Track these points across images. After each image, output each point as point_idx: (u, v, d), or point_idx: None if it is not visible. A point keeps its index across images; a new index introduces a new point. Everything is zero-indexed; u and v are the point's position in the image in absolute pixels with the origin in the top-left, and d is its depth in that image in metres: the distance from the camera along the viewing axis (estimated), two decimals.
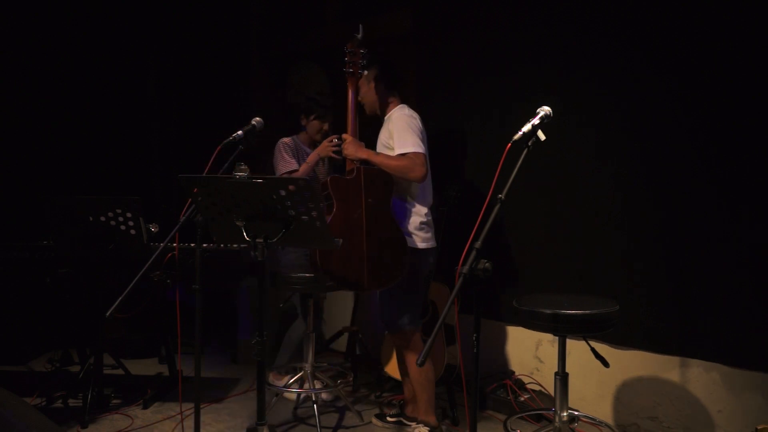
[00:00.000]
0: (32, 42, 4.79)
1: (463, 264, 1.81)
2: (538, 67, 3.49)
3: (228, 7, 5.36)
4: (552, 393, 3.26)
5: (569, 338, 2.75)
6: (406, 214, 3.04)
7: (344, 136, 3.06)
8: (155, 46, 5.37)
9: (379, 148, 3.07)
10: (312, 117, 3.74)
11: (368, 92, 3.13)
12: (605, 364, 2.81)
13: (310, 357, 3.50)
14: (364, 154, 2.97)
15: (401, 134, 2.95)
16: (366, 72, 3.10)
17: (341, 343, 4.51)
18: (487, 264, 1.82)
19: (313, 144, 3.74)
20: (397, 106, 3.12)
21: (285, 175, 3.54)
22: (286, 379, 3.72)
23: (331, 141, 3.50)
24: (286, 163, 3.62)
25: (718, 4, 2.87)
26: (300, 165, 3.62)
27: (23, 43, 4.75)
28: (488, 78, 3.73)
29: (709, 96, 2.91)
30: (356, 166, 2.97)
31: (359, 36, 3.03)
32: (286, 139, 3.73)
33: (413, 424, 3.17)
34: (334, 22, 4.87)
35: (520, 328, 3.56)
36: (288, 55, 5.24)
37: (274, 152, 3.68)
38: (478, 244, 1.79)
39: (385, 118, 3.13)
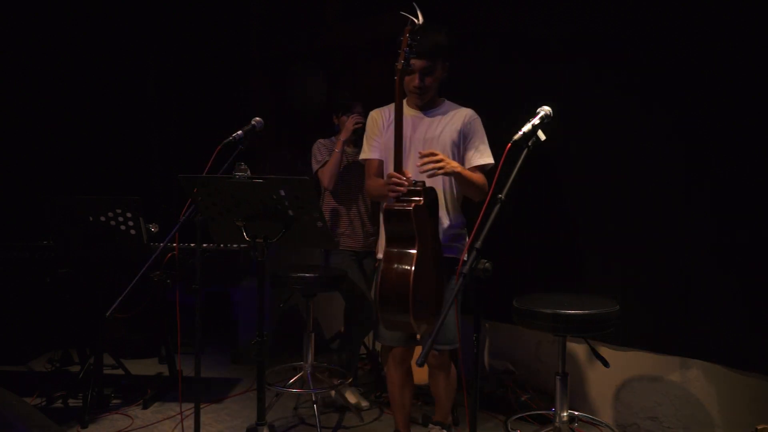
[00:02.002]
0: (32, 42, 4.79)
1: (463, 264, 1.81)
2: (538, 67, 3.49)
3: (228, 7, 5.36)
4: (552, 393, 3.26)
5: (569, 338, 2.75)
6: (466, 232, 2.82)
7: (434, 150, 2.56)
8: (155, 46, 5.37)
9: (442, 147, 2.67)
10: (341, 114, 3.71)
11: (435, 81, 2.69)
12: (605, 364, 2.81)
13: (310, 357, 3.50)
14: (457, 167, 2.58)
15: (484, 142, 2.72)
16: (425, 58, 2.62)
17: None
18: (487, 264, 1.82)
19: (350, 141, 3.70)
20: (450, 103, 2.81)
21: (319, 173, 3.61)
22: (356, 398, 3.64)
23: (351, 119, 3.54)
24: (316, 162, 3.65)
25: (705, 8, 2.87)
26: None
27: (23, 43, 4.75)
28: (488, 78, 3.73)
29: (710, 96, 2.91)
30: (415, 184, 2.51)
31: (419, 22, 2.51)
32: (322, 140, 3.73)
33: (432, 426, 3.05)
34: (334, 22, 4.87)
35: (520, 328, 3.55)
36: (288, 55, 5.24)
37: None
38: (478, 244, 1.79)
39: (441, 113, 2.76)
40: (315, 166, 3.65)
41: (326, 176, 3.58)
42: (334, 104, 3.83)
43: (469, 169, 2.70)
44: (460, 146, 2.72)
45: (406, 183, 2.47)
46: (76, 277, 3.57)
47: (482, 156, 2.72)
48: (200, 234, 2.44)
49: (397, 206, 2.49)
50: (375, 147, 2.82)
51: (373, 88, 4.31)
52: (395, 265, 2.46)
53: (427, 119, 2.74)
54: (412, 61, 2.55)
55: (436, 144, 2.68)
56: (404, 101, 2.66)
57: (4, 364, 4.34)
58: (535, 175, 3.39)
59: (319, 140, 3.73)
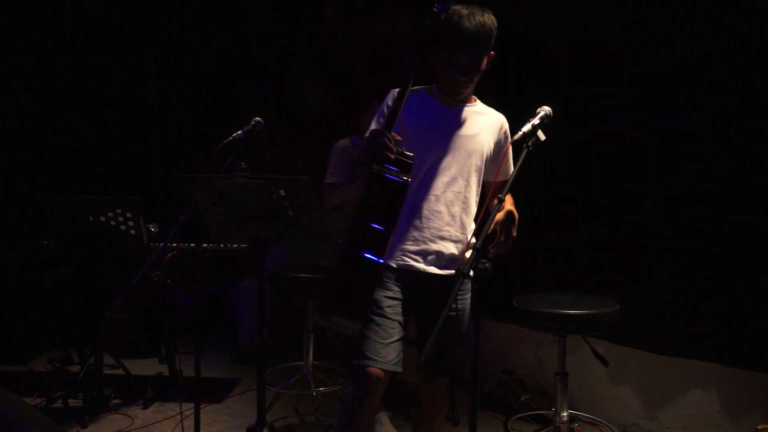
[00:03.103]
0: (32, 42, 4.79)
1: (463, 264, 1.81)
2: (538, 67, 3.48)
3: (228, 7, 5.37)
4: (552, 393, 3.26)
5: (569, 338, 2.75)
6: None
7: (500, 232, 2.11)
8: (155, 46, 5.38)
9: (474, 148, 2.27)
10: (362, 113, 3.46)
11: (480, 74, 2.26)
12: (605, 364, 2.82)
13: (310, 357, 3.50)
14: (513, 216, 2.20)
15: (511, 156, 2.36)
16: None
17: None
18: (487, 264, 1.82)
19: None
20: (480, 102, 2.39)
21: (328, 187, 3.40)
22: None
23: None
24: (332, 175, 3.41)
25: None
26: (350, 172, 3.35)
27: (23, 43, 4.75)
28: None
29: (710, 96, 2.91)
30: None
31: None
32: (341, 143, 3.46)
33: None
34: (334, 22, 4.88)
35: (520, 328, 3.55)
36: (288, 55, 5.25)
37: None
38: (478, 244, 1.79)
39: (476, 111, 2.34)
40: (328, 178, 3.41)
41: (333, 200, 3.38)
42: (353, 102, 3.71)
43: (503, 180, 2.35)
44: (490, 154, 2.33)
45: (394, 149, 1.95)
46: (76, 277, 3.57)
47: (511, 166, 2.40)
48: (200, 234, 2.43)
49: (392, 175, 1.93)
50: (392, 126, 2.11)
51: (373, 88, 4.34)
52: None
53: (463, 112, 2.31)
54: (456, 57, 2.14)
55: (471, 144, 2.27)
56: (433, 86, 2.31)
57: (4, 364, 4.34)
58: (535, 175, 3.39)
59: (339, 145, 3.44)
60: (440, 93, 2.30)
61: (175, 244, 3.39)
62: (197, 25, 5.32)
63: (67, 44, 4.94)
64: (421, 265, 2.22)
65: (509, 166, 2.38)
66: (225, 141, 2.45)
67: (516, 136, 1.97)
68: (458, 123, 2.29)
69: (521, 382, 3.60)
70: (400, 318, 2.19)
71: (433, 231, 2.22)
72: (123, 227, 3.25)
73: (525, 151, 1.96)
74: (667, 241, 3.07)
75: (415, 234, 2.22)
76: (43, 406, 3.59)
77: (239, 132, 2.50)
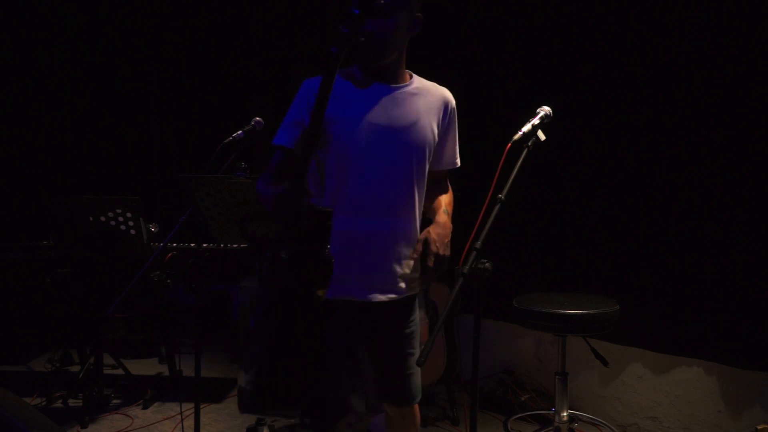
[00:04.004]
0: (33, 42, 4.79)
1: (463, 264, 1.81)
2: (538, 66, 3.48)
3: (228, 8, 5.37)
4: (552, 393, 3.26)
5: (569, 338, 2.75)
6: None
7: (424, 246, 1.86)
8: (156, 46, 5.38)
9: (419, 141, 1.92)
10: None
11: (391, 33, 1.84)
12: (605, 363, 2.82)
13: None
14: (448, 234, 1.95)
15: (457, 141, 2.07)
16: None
17: None
18: (487, 264, 1.82)
19: None
20: (419, 78, 2.00)
21: None
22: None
23: None
24: None
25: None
26: None
27: (23, 43, 4.75)
28: (487, 77, 3.73)
29: (710, 96, 2.91)
30: None
31: None
32: None
33: None
34: (334, 22, 4.88)
35: (520, 328, 3.56)
36: (288, 55, 5.25)
37: None
38: (478, 244, 1.79)
39: (412, 91, 1.95)
40: None
41: None
42: None
43: (444, 170, 2.08)
44: (435, 143, 1.98)
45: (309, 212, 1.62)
46: (76, 277, 3.57)
47: (457, 156, 2.09)
48: (200, 234, 2.44)
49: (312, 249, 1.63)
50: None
51: None
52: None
53: (395, 95, 1.92)
54: None
55: (410, 136, 1.91)
56: (353, 68, 1.96)
57: (4, 364, 4.34)
58: (535, 175, 3.39)
59: None
60: (362, 75, 1.92)
61: (175, 244, 3.40)
62: (197, 25, 5.33)
63: (67, 45, 4.94)
64: (366, 295, 1.89)
65: (455, 151, 2.07)
66: (225, 141, 2.45)
67: (516, 136, 1.96)
68: (391, 111, 1.90)
69: (521, 382, 3.60)
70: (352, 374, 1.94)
71: (376, 254, 1.89)
72: (123, 227, 3.26)
73: (525, 151, 1.95)
74: (666, 241, 3.07)
75: (354, 261, 1.86)
76: (43, 406, 3.59)
77: (239, 132, 2.50)
